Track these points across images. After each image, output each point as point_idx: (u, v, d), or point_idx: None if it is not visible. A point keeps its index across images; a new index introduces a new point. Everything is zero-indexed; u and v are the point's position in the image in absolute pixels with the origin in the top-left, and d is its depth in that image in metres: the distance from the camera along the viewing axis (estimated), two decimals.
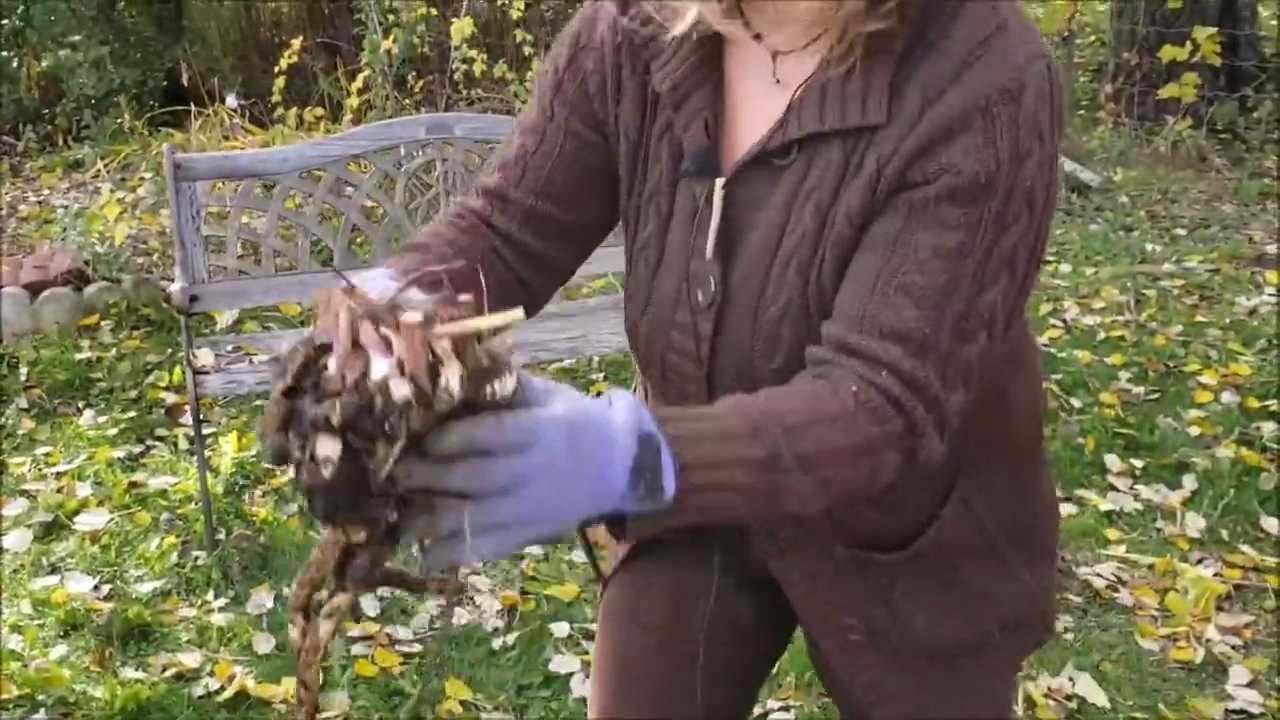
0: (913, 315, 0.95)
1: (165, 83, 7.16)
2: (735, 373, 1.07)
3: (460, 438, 0.74)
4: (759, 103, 1.04)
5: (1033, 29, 0.99)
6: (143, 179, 5.72)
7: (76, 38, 6.60)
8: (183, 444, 3.48)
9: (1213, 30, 5.46)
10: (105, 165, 6.04)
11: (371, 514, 0.76)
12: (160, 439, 3.55)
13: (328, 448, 0.74)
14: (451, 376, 0.73)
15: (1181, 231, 5.24)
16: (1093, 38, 8.22)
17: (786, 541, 1.17)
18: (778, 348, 1.04)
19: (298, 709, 0.84)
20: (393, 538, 0.79)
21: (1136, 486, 3.22)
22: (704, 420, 0.89)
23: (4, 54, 6.83)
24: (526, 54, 6.08)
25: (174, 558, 2.93)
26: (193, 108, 6.07)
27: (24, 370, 3.93)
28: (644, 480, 0.81)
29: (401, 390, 0.72)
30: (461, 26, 5.41)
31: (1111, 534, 3.00)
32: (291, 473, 0.79)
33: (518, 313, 0.77)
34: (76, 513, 3.13)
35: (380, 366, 0.72)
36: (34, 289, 4.26)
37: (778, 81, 1.03)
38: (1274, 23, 7.86)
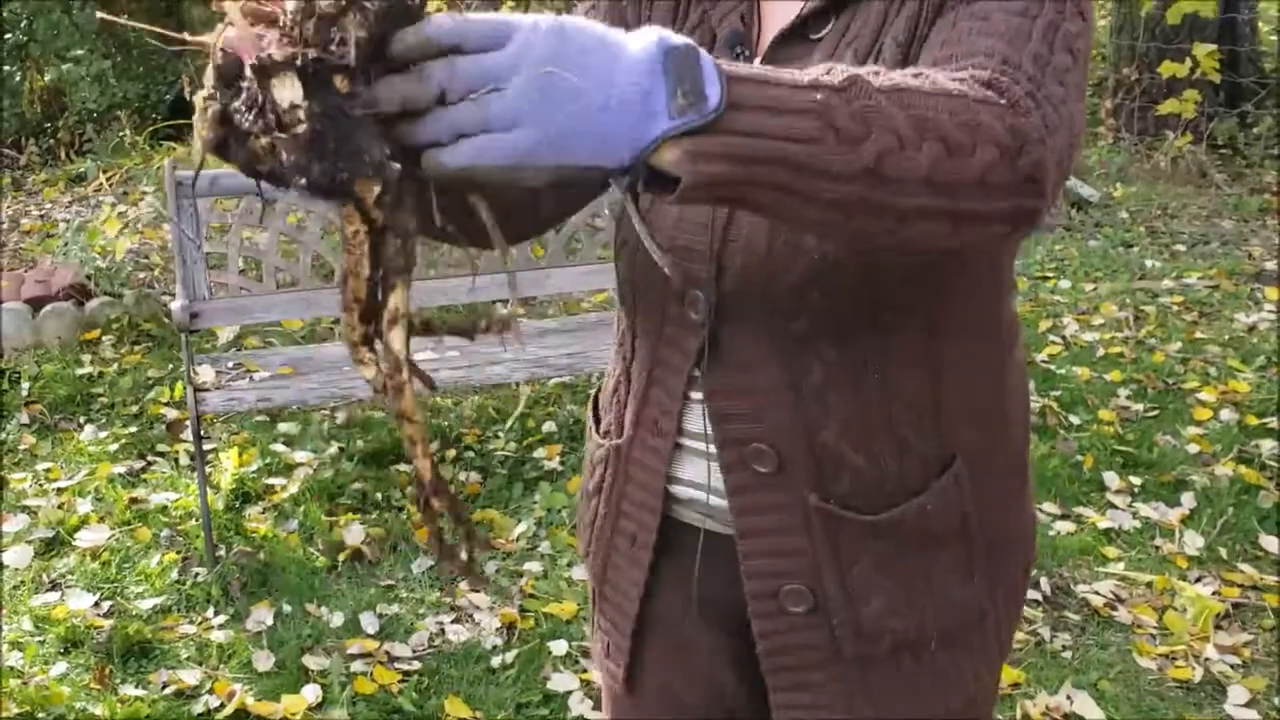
0: (992, 42, 0.88)
1: (168, 96, 7.19)
2: (749, 244, 1.01)
3: (416, 33, 0.67)
4: (789, 8, 1.04)
5: None
6: (144, 193, 5.74)
7: (79, 52, 6.63)
8: (184, 460, 3.49)
9: (1212, 47, 5.47)
10: (107, 179, 6.07)
11: (372, 156, 0.70)
12: (161, 455, 3.56)
13: (289, 92, 0.68)
14: None
15: (1181, 247, 5.25)
16: (1093, 53, 8.24)
17: (757, 484, 1.07)
18: None
19: (409, 445, 0.76)
20: (408, 202, 0.73)
21: (1135, 504, 3.22)
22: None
23: (7, 68, 6.86)
24: None
25: (174, 574, 2.93)
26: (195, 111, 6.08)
27: (25, 385, 3.94)
28: (679, 84, 0.70)
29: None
30: None
31: (1110, 551, 3.01)
32: (268, 176, 0.72)
33: None
34: (77, 529, 3.14)
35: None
36: (36, 304, 4.27)
37: None
38: (1274, 39, 7.88)
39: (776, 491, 1.06)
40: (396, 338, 0.75)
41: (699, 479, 1.11)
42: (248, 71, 0.69)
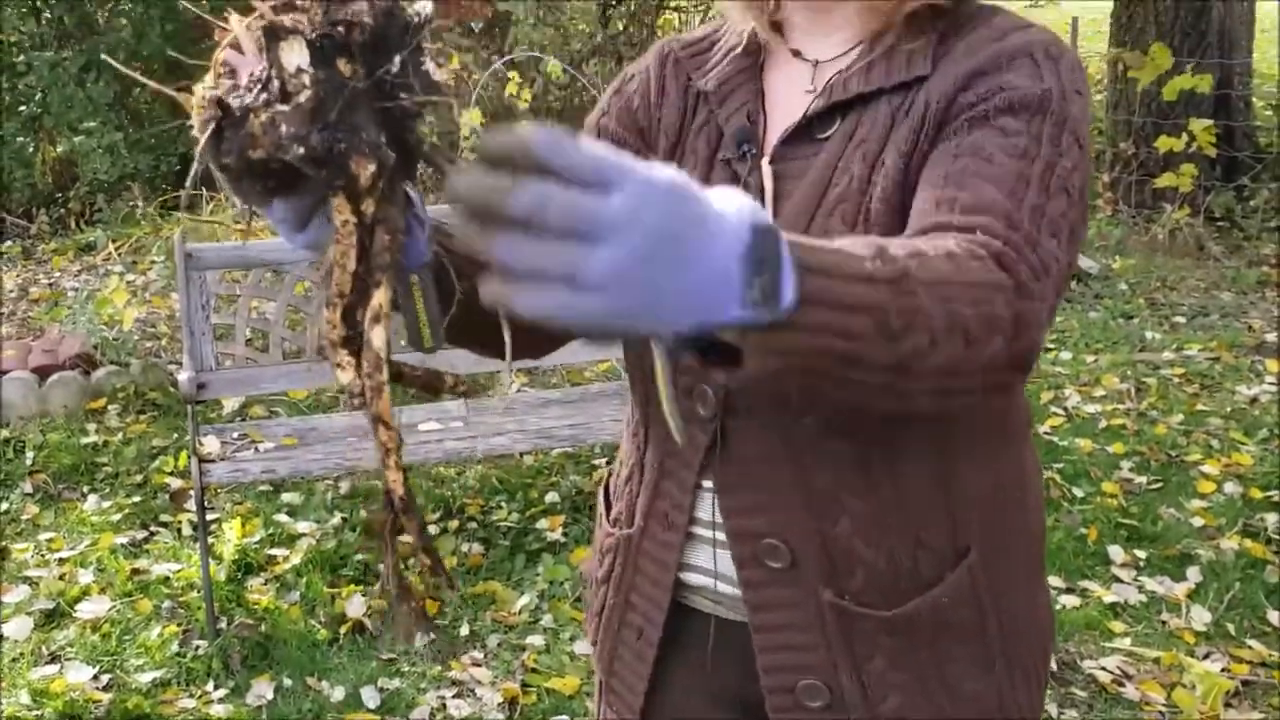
0: (993, 193, 0.91)
1: (178, 167, 7.28)
2: None
3: (516, 136, 0.61)
4: (797, 104, 1.08)
5: None
6: (153, 262, 5.79)
7: (92, 124, 6.73)
8: (186, 530, 3.48)
9: (1209, 122, 5.55)
10: (116, 248, 6.12)
11: (369, 135, 0.70)
12: (164, 525, 3.56)
13: (296, 56, 0.69)
14: None
15: (1181, 319, 5.28)
16: (1090, 127, 8.34)
17: (770, 580, 1.07)
18: None
19: (382, 455, 0.75)
20: (399, 197, 0.73)
21: (1140, 578, 3.21)
22: (819, 239, 0.77)
23: (21, 139, 6.96)
24: None
25: (175, 646, 2.92)
26: (204, 192, 6.16)
27: (30, 454, 3.95)
28: (759, 276, 0.67)
29: None
30: (470, 117, 5.51)
31: (1116, 626, 2.99)
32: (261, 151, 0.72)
33: None
34: (78, 600, 3.13)
35: None
36: (42, 373, 4.30)
37: (814, 90, 1.08)
38: (1269, 114, 7.99)
39: (790, 587, 1.06)
40: (378, 335, 0.74)
41: (710, 566, 1.12)
42: (259, 37, 0.71)
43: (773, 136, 1.09)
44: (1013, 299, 0.85)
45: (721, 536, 1.09)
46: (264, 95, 0.71)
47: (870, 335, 0.75)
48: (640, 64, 1.21)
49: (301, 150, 0.70)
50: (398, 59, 0.73)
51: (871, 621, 1.06)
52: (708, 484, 1.09)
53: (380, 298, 0.75)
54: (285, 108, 0.70)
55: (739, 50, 1.13)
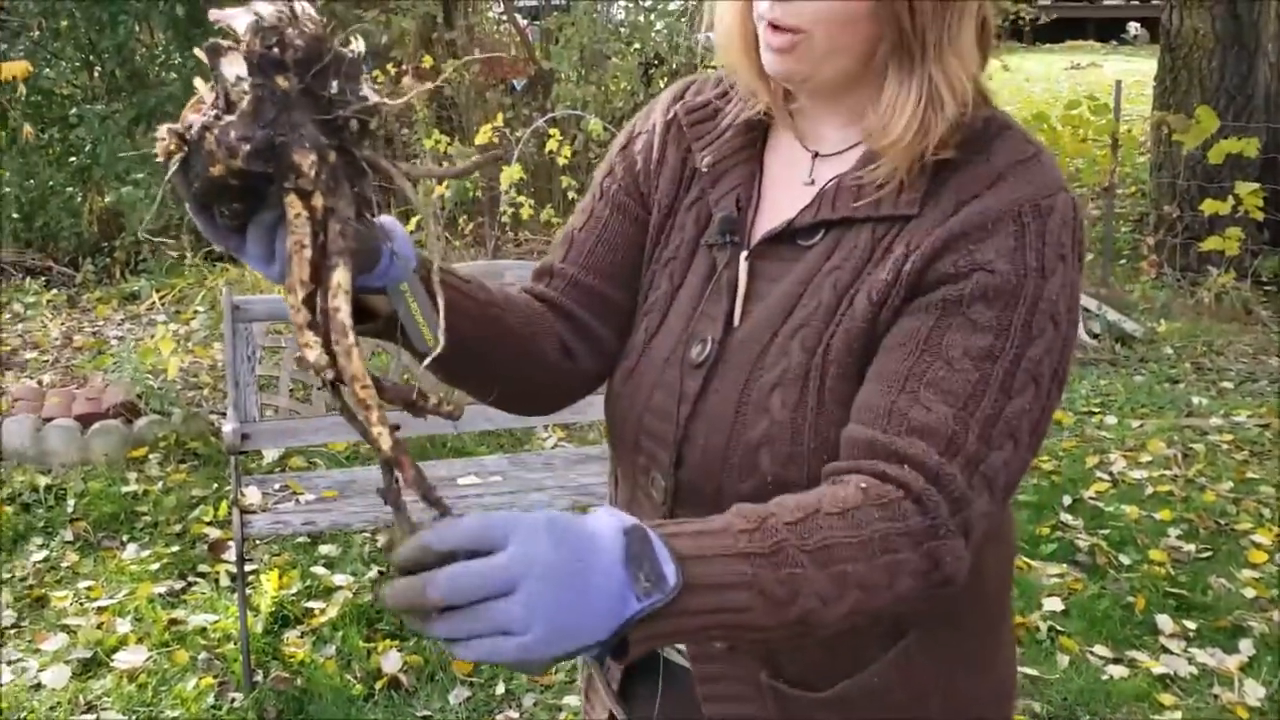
0: (942, 412, 0.93)
1: None
2: (707, 443, 1.05)
3: (411, 547, 0.73)
4: (790, 195, 1.09)
5: (1059, 167, 1.04)
6: (196, 312, 5.85)
7: (140, 175, 6.84)
8: (224, 580, 3.48)
9: (1255, 185, 5.51)
10: (160, 298, 6.19)
11: (307, 131, 0.78)
12: (202, 575, 3.55)
13: (236, 67, 0.78)
14: (305, 6, 0.81)
15: (1229, 385, 5.20)
16: (1133, 188, 8.31)
17: (713, 657, 1.11)
18: (763, 416, 1.02)
19: (364, 412, 0.80)
20: (345, 188, 0.81)
21: (1190, 649, 3.13)
22: (696, 523, 0.84)
23: (70, 189, 7.08)
24: (571, 199, 6.23)
25: (210, 699, 2.90)
26: None
27: (71, 502, 3.97)
28: (642, 568, 0.76)
29: (267, 9, 0.80)
30: (511, 173, 5.56)
31: (1166, 699, 2.91)
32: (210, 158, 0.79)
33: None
34: (115, 649, 3.12)
35: (244, 19, 0.80)
36: (85, 420, 4.33)
37: (811, 182, 1.08)
38: None
39: (731, 665, 1.10)
40: (341, 306, 0.80)
41: None
42: (203, 56, 0.80)
43: (762, 221, 1.10)
44: (923, 541, 0.90)
45: None
46: (214, 112, 0.80)
47: (755, 606, 0.81)
48: (648, 120, 1.21)
49: (248, 148, 0.78)
50: (334, 84, 0.81)
51: (806, 701, 1.08)
52: None
53: (339, 278, 0.81)
54: (230, 117, 0.78)
55: (741, 123, 1.13)
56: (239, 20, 0.80)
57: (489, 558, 0.72)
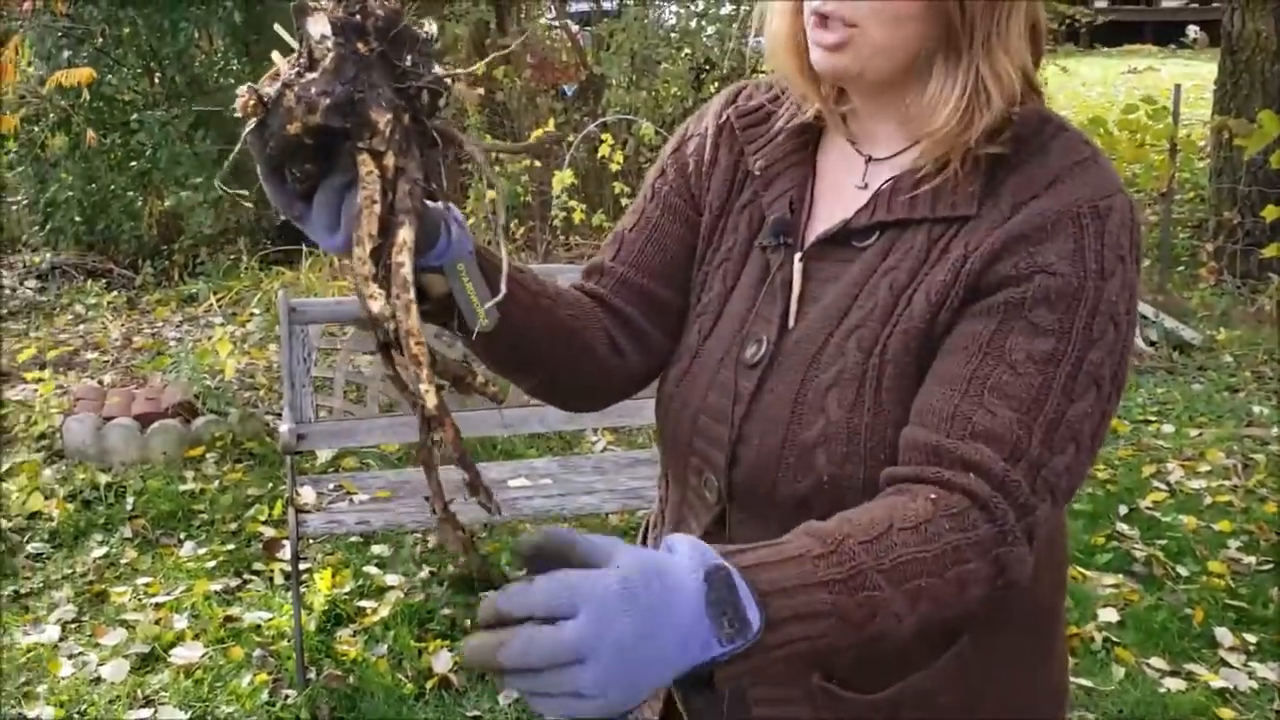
0: (1006, 417, 0.94)
1: (279, 222, 7.48)
2: (762, 444, 1.05)
3: (487, 607, 0.73)
4: (843, 197, 1.09)
5: (1115, 169, 1.04)
6: (253, 314, 5.93)
7: (198, 180, 6.94)
8: (278, 579, 3.52)
9: None
10: (217, 300, 6.29)
11: (384, 91, 0.81)
12: (256, 573, 3.60)
13: (319, 26, 0.81)
14: None
15: None
16: (1191, 194, 8.18)
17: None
18: (819, 415, 1.02)
19: (415, 367, 0.82)
20: (415, 150, 0.84)
21: (1251, 663, 3.07)
22: (772, 548, 0.83)
23: (130, 194, 7.21)
24: (623, 204, 6.25)
25: (265, 695, 2.94)
26: (304, 247, 6.32)
27: (130, 500, 4.04)
28: (725, 614, 0.76)
29: None
30: (563, 178, 5.59)
31: (1225, 713, 2.87)
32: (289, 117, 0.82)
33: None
34: (172, 645, 3.17)
35: None
36: (145, 420, 4.40)
37: (865, 186, 1.08)
38: None
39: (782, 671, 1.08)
40: (405, 261, 0.83)
41: None
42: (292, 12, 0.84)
43: (815, 224, 1.10)
44: (991, 548, 0.91)
45: None
46: (295, 70, 0.83)
47: (835, 631, 0.82)
48: (700, 124, 1.21)
49: (327, 102, 0.81)
50: (409, 57, 0.85)
51: (858, 703, 1.07)
52: None
53: (404, 235, 0.84)
54: (313, 74, 0.82)
55: (794, 127, 1.13)
56: None
57: (559, 628, 0.71)
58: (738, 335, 1.10)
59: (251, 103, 0.83)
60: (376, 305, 0.83)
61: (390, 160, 0.83)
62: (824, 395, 1.03)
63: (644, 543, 1.27)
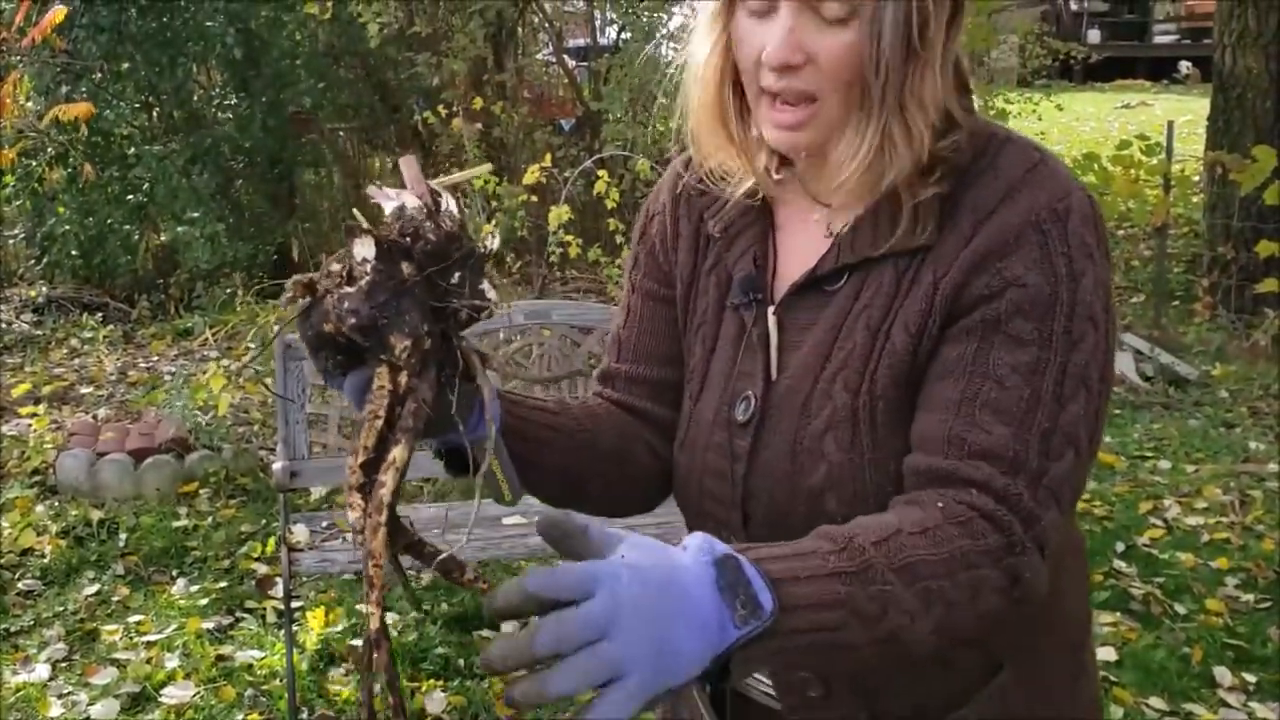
0: (1001, 433, 0.95)
1: (275, 256, 7.49)
2: (770, 497, 1.06)
3: (516, 590, 0.75)
4: (806, 245, 1.10)
5: (1066, 167, 1.05)
6: (248, 348, 5.92)
7: (195, 214, 6.96)
8: (271, 617, 3.50)
9: None
10: (213, 334, 6.28)
11: (411, 320, 0.86)
12: (249, 611, 3.58)
13: (363, 249, 0.86)
14: (450, 202, 0.91)
15: None
16: (1186, 229, 8.21)
17: (809, 705, 1.09)
18: (820, 461, 1.03)
19: (366, 588, 0.84)
20: (430, 375, 0.88)
21: (1251, 703, 3.05)
22: (782, 546, 0.86)
23: (127, 227, 7.22)
24: (620, 242, 6.26)
25: None
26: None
27: (123, 536, 4.02)
28: (738, 597, 0.78)
29: (413, 201, 0.90)
30: (559, 213, 5.60)
31: None
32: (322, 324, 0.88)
33: (486, 166, 0.95)
34: (164, 685, 3.14)
35: (391, 202, 0.91)
36: (138, 455, 4.39)
37: (830, 234, 1.09)
38: None
39: (828, 710, 1.08)
40: (389, 482, 0.87)
41: (753, 680, 1.12)
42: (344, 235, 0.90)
43: (782, 279, 1.11)
44: (1003, 557, 0.91)
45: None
46: (338, 280, 0.88)
47: (847, 624, 0.83)
48: (658, 201, 1.23)
49: (354, 321, 0.87)
50: (456, 275, 0.90)
51: None
52: None
53: (397, 454, 0.88)
54: (349, 289, 0.87)
55: (748, 188, 1.13)
56: (388, 203, 0.91)
57: (583, 605, 0.73)
58: (725, 394, 1.11)
59: (299, 293, 0.90)
60: (352, 515, 0.88)
61: (404, 378, 0.88)
62: (820, 440, 1.03)
63: None
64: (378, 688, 0.88)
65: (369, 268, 0.86)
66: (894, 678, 1.06)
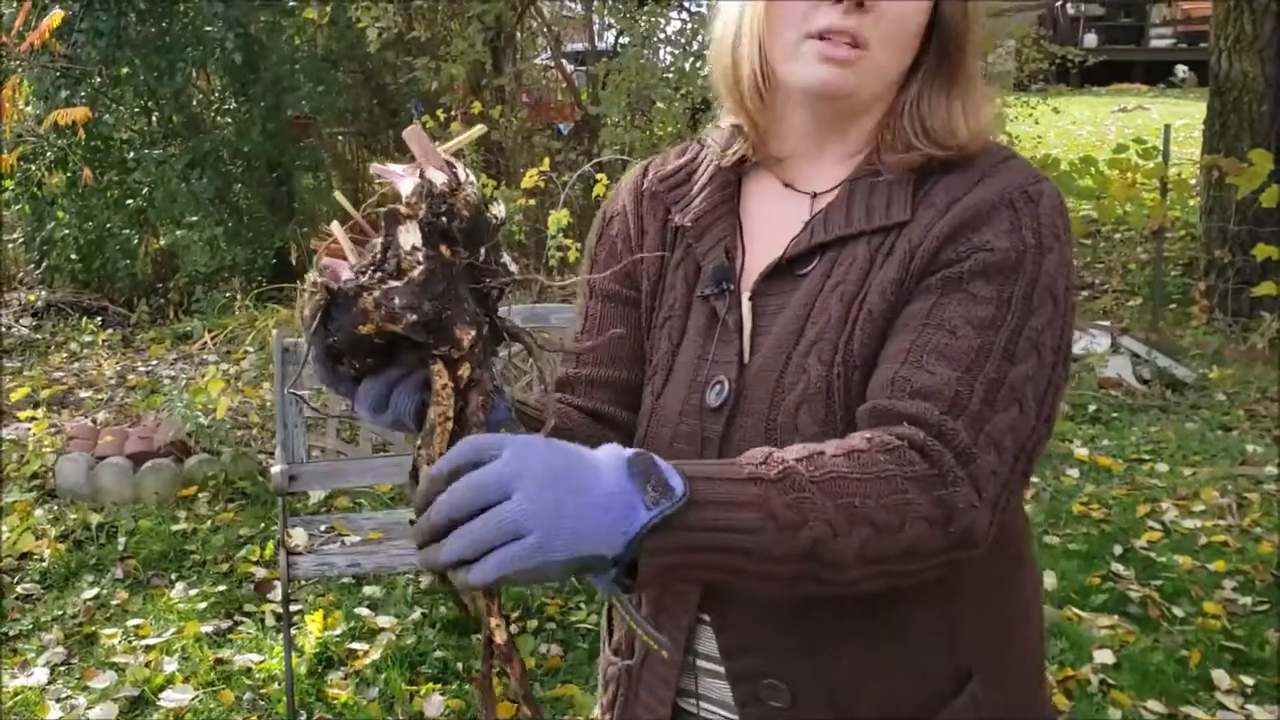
0: (944, 374, 0.95)
1: (274, 260, 7.50)
2: None
3: (423, 479, 0.78)
4: (777, 234, 1.10)
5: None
6: (246, 352, 5.93)
7: (194, 218, 6.97)
8: (269, 620, 3.50)
9: None
10: (211, 338, 6.29)
11: (469, 306, 0.81)
12: (248, 615, 3.58)
13: (412, 236, 0.80)
14: (465, 172, 0.85)
15: None
16: (1183, 232, 8.23)
17: (775, 712, 1.08)
18: (794, 436, 1.02)
19: (486, 601, 0.83)
20: (491, 360, 0.84)
21: (1248, 706, 3.05)
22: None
23: (126, 232, 7.23)
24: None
25: None
26: (299, 284, 6.31)
27: (122, 540, 4.02)
28: (649, 481, 0.78)
29: (439, 178, 0.82)
30: (558, 217, 5.61)
31: None
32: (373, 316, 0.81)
33: (480, 128, 0.93)
34: (162, 688, 3.14)
35: (407, 180, 0.83)
36: (137, 459, 4.39)
37: (809, 225, 1.09)
38: None
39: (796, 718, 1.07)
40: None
41: (711, 695, 1.12)
42: (381, 220, 0.82)
43: (752, 269, 1.11)
44: (931, 487, 0.89)
45: (720, 670, 1.09)
46: (378, 274, 0.81)
47: (762, 528, 0.82)
48: (617, 203, 1.22)
49: (414, 318, 0.80)
50: (483, 249, 0.84)
51: None
52: (706, 619, 1.10)
53: None
54: (399, 283, 0.80)
55: (718, 179, 1.15)
56: (404, 181, 0.83)
57: (483, 467, 0.75)
58: (694, 384, 1.10)
59: (320, 297, 0.83)
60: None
61: (465, 370, 0.83)
62: (794, 416, 1.03)
63: (610, 631, 1.25)
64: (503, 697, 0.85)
65: (420, 256, 0.80)
66: (864, 684, 1.05)
